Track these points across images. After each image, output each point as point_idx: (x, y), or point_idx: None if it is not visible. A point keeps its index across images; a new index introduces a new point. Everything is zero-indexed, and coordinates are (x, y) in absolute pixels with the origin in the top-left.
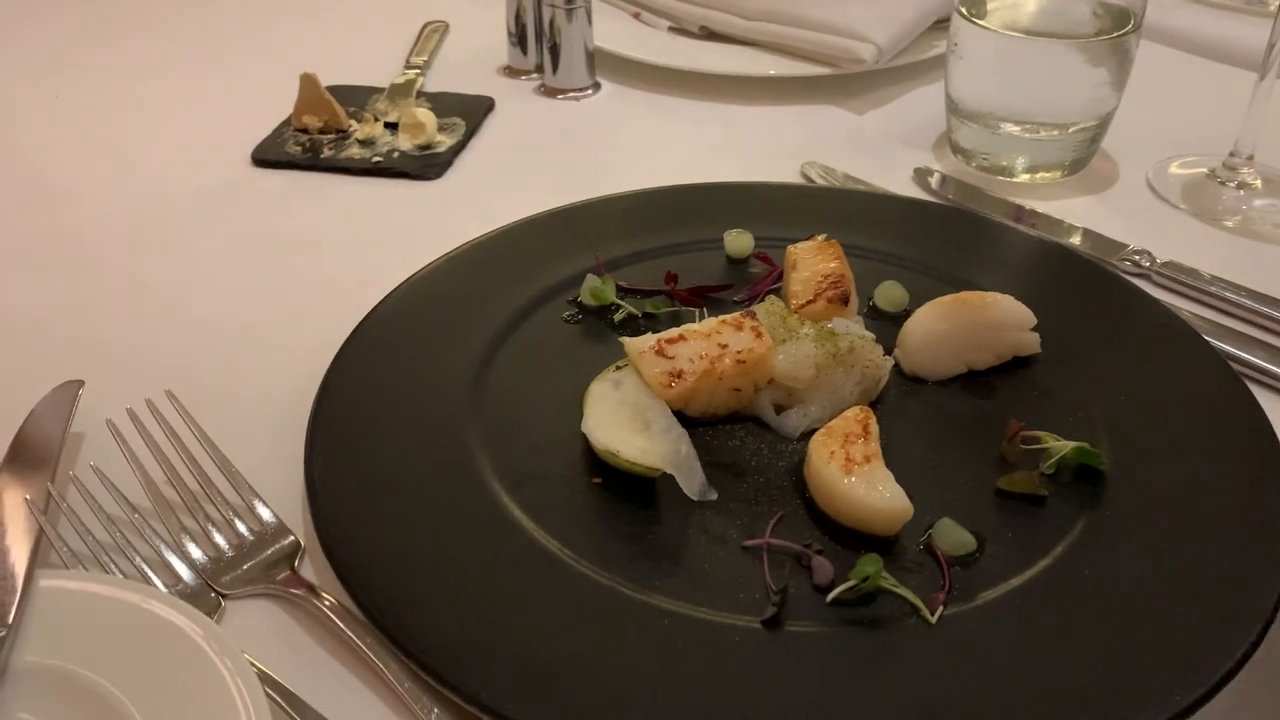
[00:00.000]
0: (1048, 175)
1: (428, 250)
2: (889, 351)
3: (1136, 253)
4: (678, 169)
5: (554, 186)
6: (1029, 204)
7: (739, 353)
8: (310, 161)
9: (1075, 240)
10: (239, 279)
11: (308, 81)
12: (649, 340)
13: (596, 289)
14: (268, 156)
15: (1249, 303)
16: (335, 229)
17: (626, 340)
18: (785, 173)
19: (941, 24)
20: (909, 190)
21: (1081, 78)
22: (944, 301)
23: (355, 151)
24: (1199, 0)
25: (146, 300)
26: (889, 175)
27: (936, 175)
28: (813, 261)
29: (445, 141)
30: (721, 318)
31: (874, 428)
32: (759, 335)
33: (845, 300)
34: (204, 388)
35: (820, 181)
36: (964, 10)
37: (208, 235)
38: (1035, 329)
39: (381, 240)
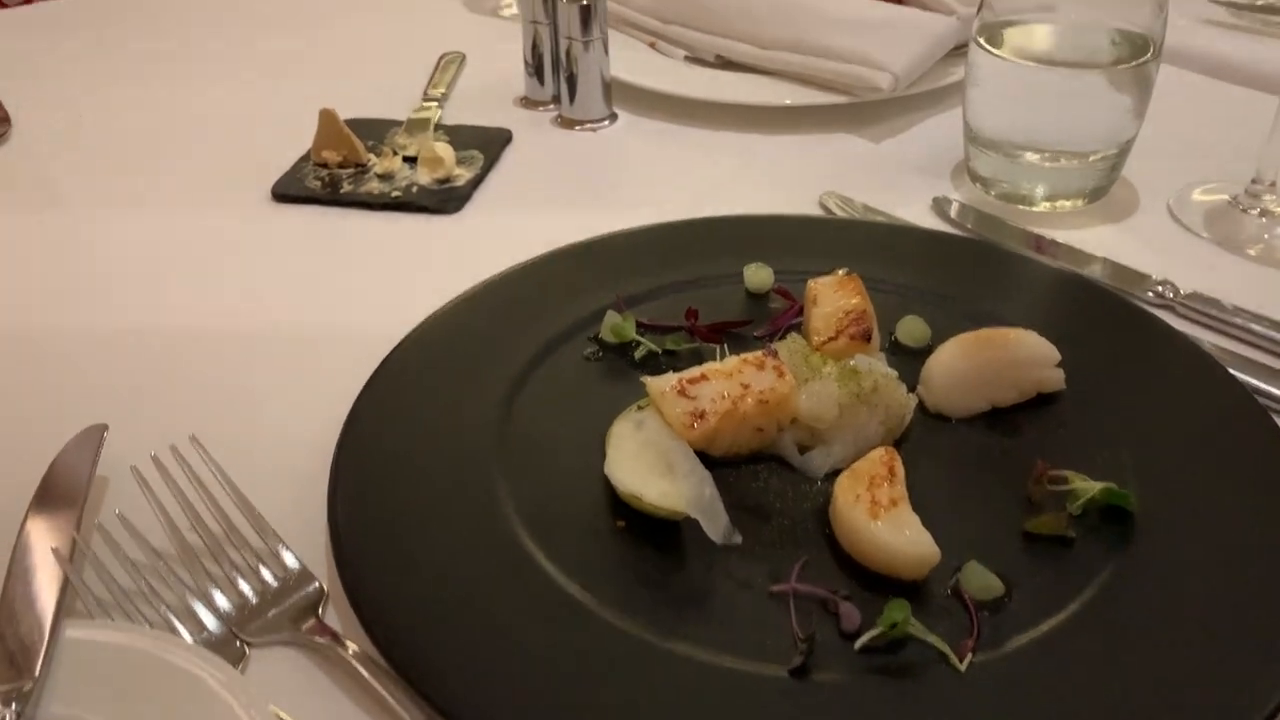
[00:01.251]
0: (1068, 203)
1: (448, 285)
2: (912, 388)
3: (1160, 283)
4: (696, 200)
5: (572, 219)
6: (1049, 233)
7: (761, 392)
8: (330, 196)
9: (1097, 271)
10: (261, 317)
11: (326, 117)
12: (670, 380)
13: (617, 326)
14: (288, 191)
15: (1274, 334)
16: (355, 265)
17: (648, 380)
18: (803, 203)
19: (958, 51)
20: (928, 220)
21: (1101, 106)
22: (967, 339)
23: (374, 186)
24: (1217, 22)
25: (169, 340)
26: (907, 204)
27: (955, 205)
28: (834, 297)
29: (464, 175)
30: (743, 356)
31: (899, 470)
32: (781, 374)
33: (867, 337)
34: (227, 429)
35: (839, 212)
36: (981, 40)
37: (229, 272)
38: (1059, 365)
39: (401, 275)
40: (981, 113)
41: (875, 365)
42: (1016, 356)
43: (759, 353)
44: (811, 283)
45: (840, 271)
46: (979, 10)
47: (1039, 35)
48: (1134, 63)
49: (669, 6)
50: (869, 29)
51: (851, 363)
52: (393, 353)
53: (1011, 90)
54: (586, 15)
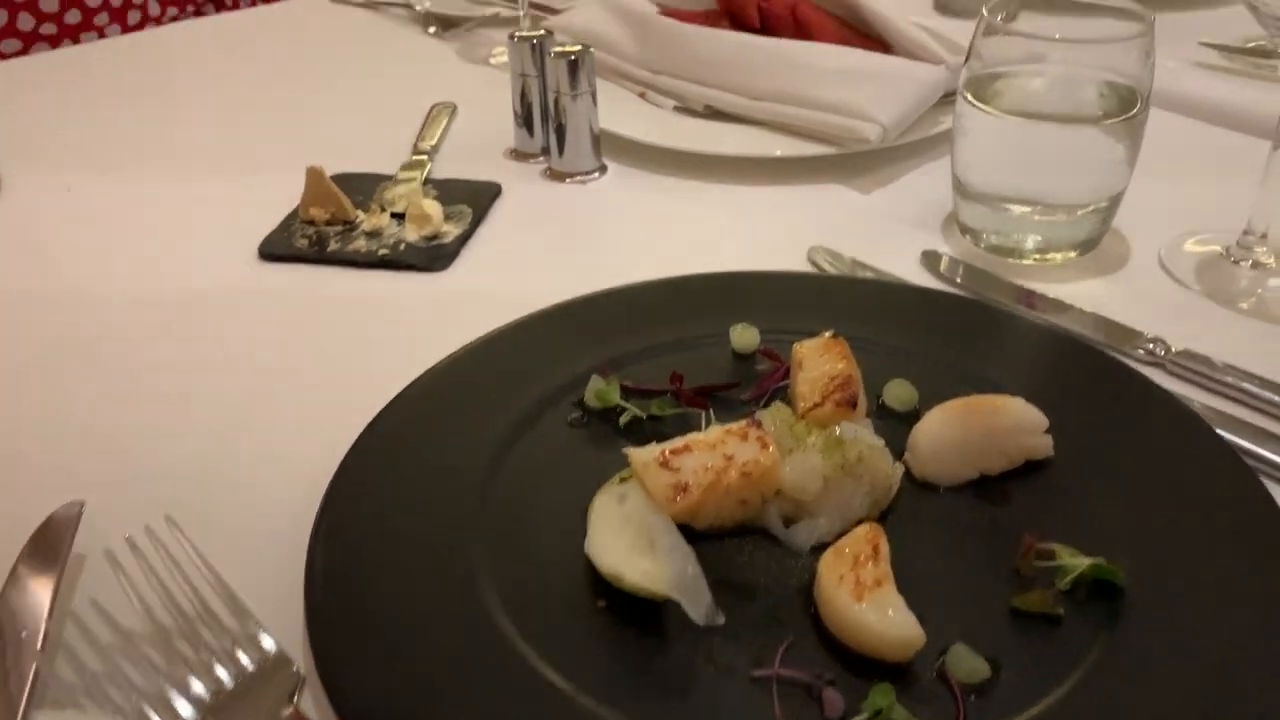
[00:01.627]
0: (1058, 256)
1: (435, 345)
2: (900, 455)
3: (1150, 341)
4: (684, 254)
5: (560, 275)
6: (1040, 287)
7: (745, 464)
8: (317, 255)
9: (1088, 328)
10: (243, 383)
11: (313, 175)
12: (653, 451)
13: (601, 391)
14: (275, 250)
15: (1265, 394)
16: (341, 326)
17: (631, 451)
18: (792, 256)
19: (948, 98)
20: (917, 273)
21: (1090, 160)
22: (953, 406)
23: (362, 244)
24: (1208, 65)
25: (153, 402)
26: (897, 257)
27: (945, 259)
28: (819, 362)
29: (452, 231)
30: (726, 427)
31: (884, 548)
32: (765, 446)
33: (853, 403)
34: (206, 503)
35: (828, 267)
36: (968, 95)
37: (214, 336)
38: (1047, 431)
39: (387, 337)
40: (969, 165)
41: (861, 434)
42: (1004, 424)
43: (743, 423)
44: (797, 346)
45: (826, 334)
46: (966, 62)
47: (1026, 88)
48: (1123, 116)
49: (658, 57)
50: (858, 79)
51: (837, 432)
52: (373, 423)
53: (999, 144)
54: (574, 68)
